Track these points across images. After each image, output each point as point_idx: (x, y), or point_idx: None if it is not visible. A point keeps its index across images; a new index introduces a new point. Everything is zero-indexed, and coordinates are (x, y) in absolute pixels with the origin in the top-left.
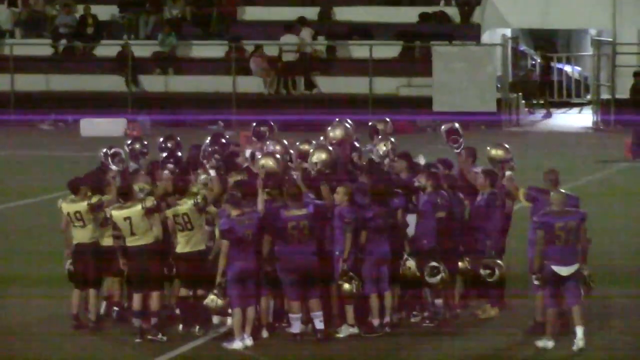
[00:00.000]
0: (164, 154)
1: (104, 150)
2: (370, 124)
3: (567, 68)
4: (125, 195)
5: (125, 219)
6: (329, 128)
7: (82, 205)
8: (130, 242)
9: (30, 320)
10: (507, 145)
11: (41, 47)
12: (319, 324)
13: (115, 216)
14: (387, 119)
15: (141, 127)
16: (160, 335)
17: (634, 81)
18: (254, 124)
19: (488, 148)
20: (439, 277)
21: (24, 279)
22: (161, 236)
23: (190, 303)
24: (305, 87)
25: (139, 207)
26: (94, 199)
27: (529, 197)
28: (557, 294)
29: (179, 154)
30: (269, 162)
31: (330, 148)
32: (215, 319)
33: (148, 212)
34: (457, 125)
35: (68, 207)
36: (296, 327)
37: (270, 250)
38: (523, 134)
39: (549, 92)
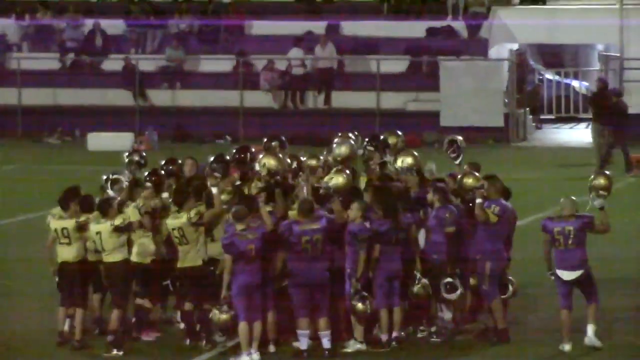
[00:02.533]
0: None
1: (106, 175)
2: (381, 137)
3: (575, 83)
4: (103, 210)
5: (97, 233)
6: (334, 145)
7: (70, 223)
8: (103, 257)
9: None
10: (477, 174)
11: (48, 61)
12: (327, 344)
13: (90, 230)
14: (399, 133)
15: (148, 141)
16: (114, 352)
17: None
18: (265, 140)
19: (459, 176)
20: (458, 292)
21: (20, 294)
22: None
23: (194, 317)
24: (325, 102)
25: (108, 224)
26: (82, 218)
27: (498, 214)
28: (568, 297)
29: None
30: (271, 161)
31: (347, 172)
32: (218, 336)
33: (115, 230)
34: (460, 138)
35: (56, 223)
36: (304, 344)
37: (283, 265)
38: (530, 148)
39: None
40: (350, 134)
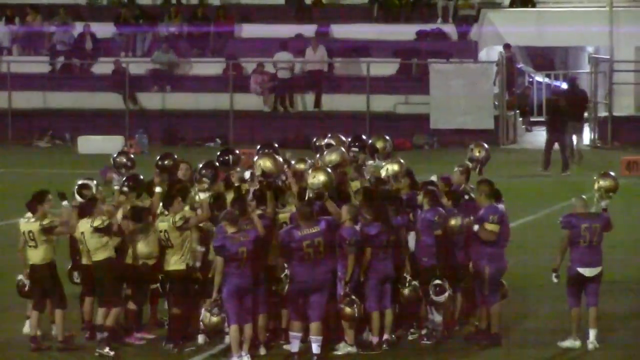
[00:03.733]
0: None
1: (79, 182)
2: (370, 142)
3: (565, 85)
4: (86, 211)
5: (81, 233)
6: (325, 152)
7: (35, 226)
8: (91, 256)
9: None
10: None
11: (38, 65)
12: (316, 349)
13: (78, 229)
14: (387, 137)
15: (139, 144)
16: (107, 350)
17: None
18: (258, 147)
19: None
20: (445, 295)
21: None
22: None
23: (179, 320)
24: (315, 105)
25: (89, 224)
26: (46, 221)
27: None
28: (579, 295)
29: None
30: (267, 163)
31: (328, 170)
32: (201, 339)
33: (95, 231)
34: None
35: (24, 226)
36: (295, 346)
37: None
38: (520, 151)
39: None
40: (341, 136)
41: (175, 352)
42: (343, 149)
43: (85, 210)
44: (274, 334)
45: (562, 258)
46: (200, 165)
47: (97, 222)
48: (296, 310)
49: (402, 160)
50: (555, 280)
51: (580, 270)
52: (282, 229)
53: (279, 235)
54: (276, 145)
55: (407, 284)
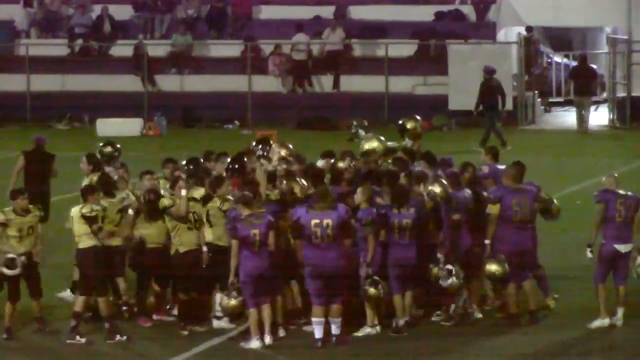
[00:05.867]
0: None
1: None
2: (400, 122)
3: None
4: (83, 195)
5: (71, 216)
6: (362, 140)
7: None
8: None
9: None
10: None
11: (57, 47)
12: (336, 330)
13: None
14: (418, 118)
15: (157, 126)
16: (118, 337)
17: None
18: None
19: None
20: (449, 281)
21: None
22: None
23: (187, 305)
24: (333, 86)
25: (79, 209)
26: (11, 216)
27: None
28: (607, 273)
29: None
30: (283, 150)
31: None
32: (215, 323)
33: (82, 217)
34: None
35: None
36: (319, 332)
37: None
38: (539, 131)
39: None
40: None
41: (184, 334)
42: (381, 137)
43: (84, 195)
44: (291, 316)
45: (597, 233)
46: (184, 162)
47: (85, 209)
48: (316, 294)
49: (445, 182)
50: (589, 255)
51: (616, 246)
52: (295, 210)
53: (294, 217)
54: (272, 142)
55: (450, 271)
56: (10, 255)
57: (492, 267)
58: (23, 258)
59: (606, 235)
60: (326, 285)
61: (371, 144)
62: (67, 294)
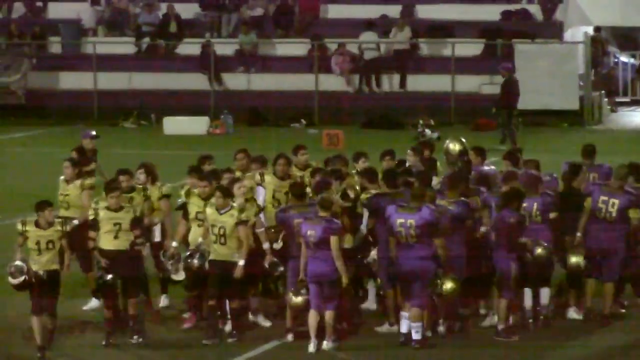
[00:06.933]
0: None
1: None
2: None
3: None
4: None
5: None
6: (448, 141)
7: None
8: None
9: None
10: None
11: (124, 46)
12: (416, 335)
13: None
14: (463, 140)
15: (224, 124)
16: (135, 337)
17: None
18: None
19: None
20: (438, 288)
21: None
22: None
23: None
24: (400, 86)
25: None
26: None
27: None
28: None
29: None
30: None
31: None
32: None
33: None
34: None
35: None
36: (404, 327)
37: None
38: (606, 132)
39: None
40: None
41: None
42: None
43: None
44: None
45: None
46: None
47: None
48: (404, 292)
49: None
50: None
51: None
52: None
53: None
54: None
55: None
56: (17, 263)
57: (573, 259)
58: (42, 272)
59: None
60: (406, 285)
61: (455, 146)
62: (93, 303)
